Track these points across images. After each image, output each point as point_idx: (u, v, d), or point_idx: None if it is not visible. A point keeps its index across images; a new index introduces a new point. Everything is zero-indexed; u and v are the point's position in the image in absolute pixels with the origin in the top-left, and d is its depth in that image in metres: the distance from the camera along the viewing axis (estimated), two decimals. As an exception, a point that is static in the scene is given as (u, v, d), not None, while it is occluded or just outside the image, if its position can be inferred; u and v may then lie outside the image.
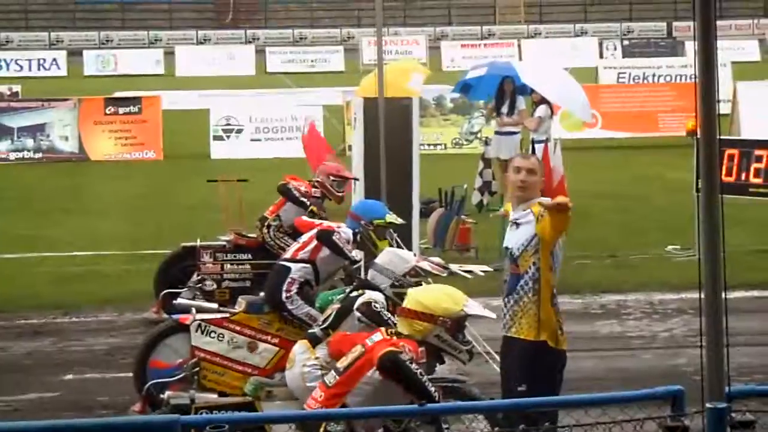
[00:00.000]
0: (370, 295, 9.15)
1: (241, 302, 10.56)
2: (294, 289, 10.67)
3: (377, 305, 9.00)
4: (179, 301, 11.44)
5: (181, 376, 10.12)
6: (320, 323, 9.47)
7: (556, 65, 30.13)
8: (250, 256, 13.53)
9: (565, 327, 8.24)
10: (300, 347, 9.33)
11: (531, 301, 8.03)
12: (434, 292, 7.54)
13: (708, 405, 4.95)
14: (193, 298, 12.67)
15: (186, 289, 13.39)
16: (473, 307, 7.45)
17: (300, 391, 9.06)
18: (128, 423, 4.21)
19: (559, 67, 25.61)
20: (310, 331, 9.56)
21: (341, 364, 7.34)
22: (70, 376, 12.12)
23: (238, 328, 10.32)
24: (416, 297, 7.41)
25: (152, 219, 20.55)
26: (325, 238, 10.87)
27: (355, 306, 9.12)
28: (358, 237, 11.08)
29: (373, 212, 11.27)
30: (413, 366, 6.92)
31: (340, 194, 13.80)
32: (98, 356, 12.80)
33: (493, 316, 7.78)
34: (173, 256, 13.95)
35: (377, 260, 9.65)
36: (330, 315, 9.38)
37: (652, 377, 11.23)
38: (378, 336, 7.32)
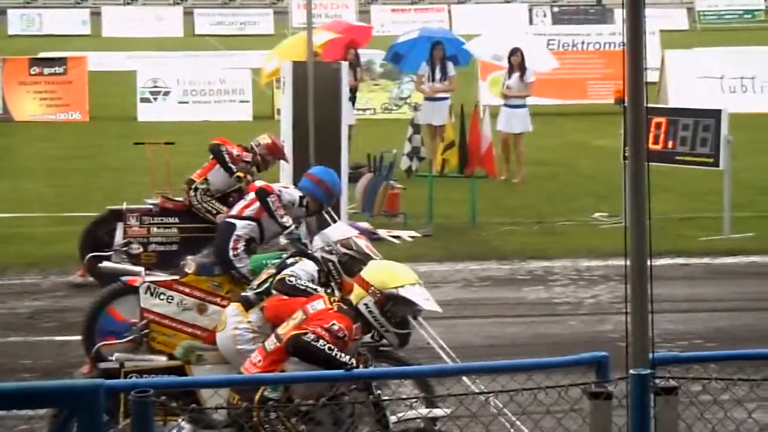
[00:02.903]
0: (297, 267, 9.08)
1: (191, 264, 10.44)
2: (241, 246, 10.68)
3: (292, 279, 8.94)
4: (104, 264, 11.33)
5: (130, 338, 10.04)
6: (254, 287, 9.43)
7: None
8: (176, 220, 13.44)
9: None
10: (232, 310, 9.29)
11: None
12: (383, 266, 7.63)
13: (632, 371, 4.99)
14: (119, 262, 12.57)
15: (112, 252, 13.29)
16: (412, 291, 7.29)
17: (230, 353, 9.01)
18: (52, 387, 4.16)
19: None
20: (243, 294, 9.51)
21: (282, 330, 7.32)
22: (-7, 340, 11.99)
23: (187, 290, 10.24)
24: (368, 266, 7.59)
25: (78, 181, 20.34)
26: (261, 196, 10.88)
27: (273, 285, 9.10)
28: (305, 201, 11.04)
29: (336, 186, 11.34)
30: (320, 343, 6.92)
31: (269, 167, 13.83)
32: (22, 319, 12.67)
33: (439, 309, 7.46)
34: (99, 219, 13.83)
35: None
36: (265, 280, 9.34)
37: (577, 343, 11.32)
38: (320, 304, 7.33)
